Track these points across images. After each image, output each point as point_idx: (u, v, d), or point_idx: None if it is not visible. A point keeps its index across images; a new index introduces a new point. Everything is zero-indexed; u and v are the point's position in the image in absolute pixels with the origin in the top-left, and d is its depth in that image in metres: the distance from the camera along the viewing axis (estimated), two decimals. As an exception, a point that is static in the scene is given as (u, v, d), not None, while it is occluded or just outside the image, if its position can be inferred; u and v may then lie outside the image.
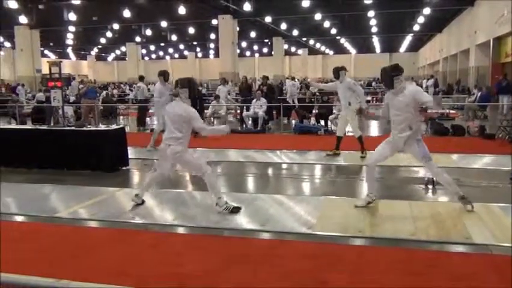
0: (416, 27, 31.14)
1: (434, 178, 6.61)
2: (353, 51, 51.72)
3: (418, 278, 3.66)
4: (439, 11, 26.84)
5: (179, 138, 5.44)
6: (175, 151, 5.46)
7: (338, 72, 8.70)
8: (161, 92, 10.08)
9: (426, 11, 24.78)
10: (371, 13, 25.73)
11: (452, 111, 17.31)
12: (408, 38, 42.13)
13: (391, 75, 5.27)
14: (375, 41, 44.56)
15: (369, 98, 25.44)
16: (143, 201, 5.85)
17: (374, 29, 32.47)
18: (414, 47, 48.55)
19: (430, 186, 6.49)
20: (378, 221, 5.07)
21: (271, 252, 4.30)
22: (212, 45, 44.93)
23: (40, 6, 24.99)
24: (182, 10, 22.97)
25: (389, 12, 26.60)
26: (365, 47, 49.11)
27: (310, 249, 4.35)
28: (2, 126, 11.40)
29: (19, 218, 5.59)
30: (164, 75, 10.12)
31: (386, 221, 5.06)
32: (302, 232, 4.80)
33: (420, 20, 28.01)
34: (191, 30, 32.15)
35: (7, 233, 4.99)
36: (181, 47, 49.03)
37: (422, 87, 30.20)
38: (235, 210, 5.44)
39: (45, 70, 29.12)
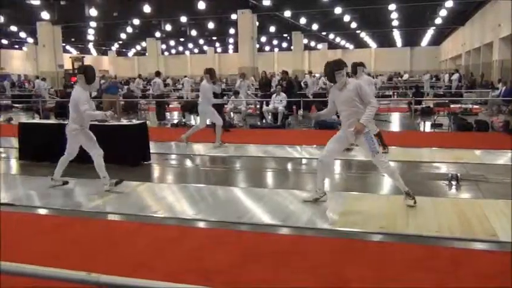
0: (438, 21, 30.58)
1: (458, 175, 6.53)
2: (373, 45, 51.17)
3: (442, 276, 3.61)
4: (462, 4, 26.34)
5: (75, 118, 6.19)
6: (71, 129, 6.25)
7: (356, 67, 8.59)
8: (208, 89, 9.84)
9: (449, 3, 24.30)
10: (392, 6, 25.37)
11: (475, 106, 17.01)
12: (430, 32, 41.43)
13: (333, 69, 5.29)
14: (396, 34, 43.94)
15: (390, 92, 25.23)
16: (64, 183, 6.61)
17: (395, 23, 31.99)
18: (436, 41, 47.76)
19: (454, 183, 6.38)
20: (401, 218, 5.01)
21: (293, 248, 4.29)
22: (231, 40, 44.95)
23: (62, 2, 25.34)
24: (201, 5, 22.99)
25: (410, 5, 26.19)
26: (385, 41, 48.52)
27: (333, 245, 4.33)
28: (26, 121, 11.61)
29: (43, 211, 5.69)
30: (210, 72, 9.86)
31: (409, 217, 5.00)
32: (324, 228, 4.78)
33: (442, 13, 27.51)
34: (210, 25, 32.19)
35: (32, 226, 5.10)
36: (201, 42, 49.17)
37: (443, 81, 29.84)
38: (119, 182, 6.32)
39: (67, 66, 29.58)
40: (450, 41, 42.37)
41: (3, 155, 9.77)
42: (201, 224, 5.08)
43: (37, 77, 24.72)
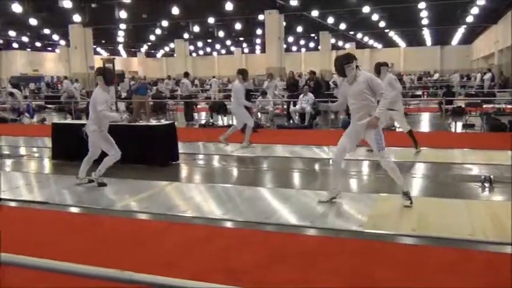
0: (469, 19, 29.89)
1: (491, 176, 6.36)
2: (402, 44, 50.35)
3: (476, 279, 3.52)
4: (494, 1, 25.64)
5: (94, 118, 6.40)
6: (91, 129, 6.45)
7: (380, 67, 8.55)
8: (240, 90, 9.90)
9: (480, 1, 23.71)
10: (421, 5, 24.92)
11: (509, 106, 16.53)
12: (461, 30, 40.50)
13: (342, 63, 5.30)
14: (426, 33, 43.11)
15: (419, 92, 24.80)
16: (89, 181, 6.73)
17: (425, 21, 31.40)
18: (467, 40, 46.63)
19: (487, 185, 6.22)
20: (432, 220, 4.91)
21: (321, 249, 4.26)
22: (258, 41, 44.96)
23: (93, 5, 25.83)
24: (229, 6, 23.11)
25: (440, 3, 25.66)
26: (415, 40, 47.65)
27: (362, 247, 4.28)
28: (58, 121, 11.90)
29: (75, 210, 5.82)
30: (242, 73, 9.90)
31: (441, 220, 4.89)
32: (353, 230, 4.73)
33: (474, 10, 26.85)
34: (238, 26, 32.30)
35: (64, 224, 5.22)
36: (228, 42, 49.37)
37: (475, 81, 29.13)
38: (103, 185, 6.57)
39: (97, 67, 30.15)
40: (482, 39, 41.32)
41: (37, 155, 10.06)
42: (229, 224, 5.10)
43: (65, 78, 25.32)
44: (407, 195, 5.32)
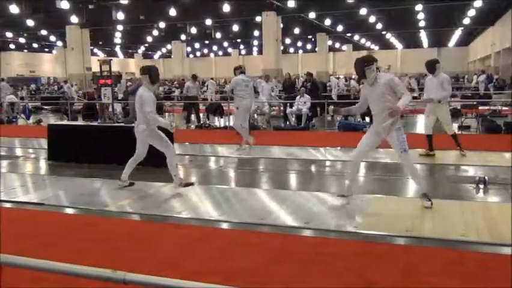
0: (467, 21, 30.02)
1: (486, 177, 6.39)
2: (399, 46, 50.49)
3: (470, 280, 3.54)
4: (491, 3, 25.76)
5: (141, 118, 6.13)
6: (140, 129, 6.20)
7: (434, 65, 8.32)
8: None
9: (478, 3, 23.82)
10: (418, 7, 25.01)
11: (504, 108, 16.60)
12: (458, 32, 40.69)
13: (362, 65, 5.26)
14: (423, 35, 43.30)
15: (416, 94, 24.85)
16: (131, 184, 6.56)
17: (422, 23, 31.54)
18: (464, 42, 46.84)
19: (481, 186, 6.25)
20: (427, 221, 4.93)
21: (316, 250, 4.27)
22: (256, 42, 45.04)
23: (90, 6, 25.82)
24: (226, 7, 23.13)
25: (438, 5, 25.77)
26: (411, 42, 47.81)
27: (357, 248, 4.29)
28: (54, 123, 11.88)
29: (70, 211, 5.81)
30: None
31: (436, 220, 4.92)
32: (348, 231, 4.74)
33: (471, 12, 26.97)
34: (235, 28, 32.37)
35: (60, 225, 5.21)
36: (225, 44, 49.44)
37: (469, 83, 29.22)
38: (189, 184, 6.41)
39: (94, 68, 30.23)
40: (479, 41, 41.49)
41: (33, 156, 10.04)
42: (225, 225, 5.11)
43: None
44: (426, 196, 5.29)
